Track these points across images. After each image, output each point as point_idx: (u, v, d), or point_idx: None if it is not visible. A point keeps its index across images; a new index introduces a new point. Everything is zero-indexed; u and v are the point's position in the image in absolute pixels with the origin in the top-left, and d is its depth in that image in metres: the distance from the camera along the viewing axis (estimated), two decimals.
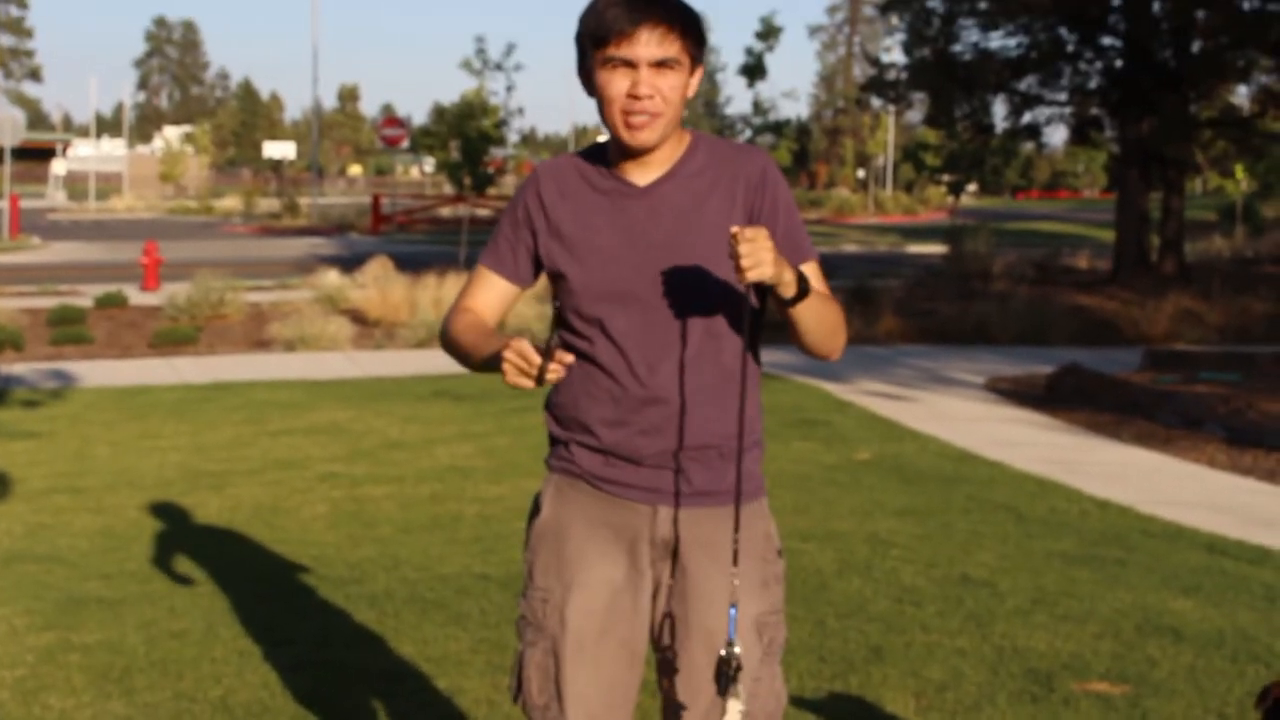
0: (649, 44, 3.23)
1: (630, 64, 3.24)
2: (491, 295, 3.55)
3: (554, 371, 3.03)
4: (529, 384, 3.06)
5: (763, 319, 3.46)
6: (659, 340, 3.34)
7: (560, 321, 3.43)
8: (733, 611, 3.26)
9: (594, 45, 3.27)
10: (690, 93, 3.34)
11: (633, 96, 3.26)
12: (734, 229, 3.04)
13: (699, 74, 3.34)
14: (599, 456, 3.42)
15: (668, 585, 3.42)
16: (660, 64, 3.25)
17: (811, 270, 3.38)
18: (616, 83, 3.26)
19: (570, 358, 3.07)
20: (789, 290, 3.16)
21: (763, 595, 3.41)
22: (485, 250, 3.57)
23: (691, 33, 3.29)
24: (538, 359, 3.03)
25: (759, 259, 3.02)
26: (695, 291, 3.32)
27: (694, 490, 3.38)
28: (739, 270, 3.04)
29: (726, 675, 3.18)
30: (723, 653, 3.20)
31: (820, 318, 3.31)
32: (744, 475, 3.41)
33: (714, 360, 3.37)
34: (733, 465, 3.39)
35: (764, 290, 3.24)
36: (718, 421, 3.37)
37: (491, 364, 3.21)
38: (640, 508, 3.40)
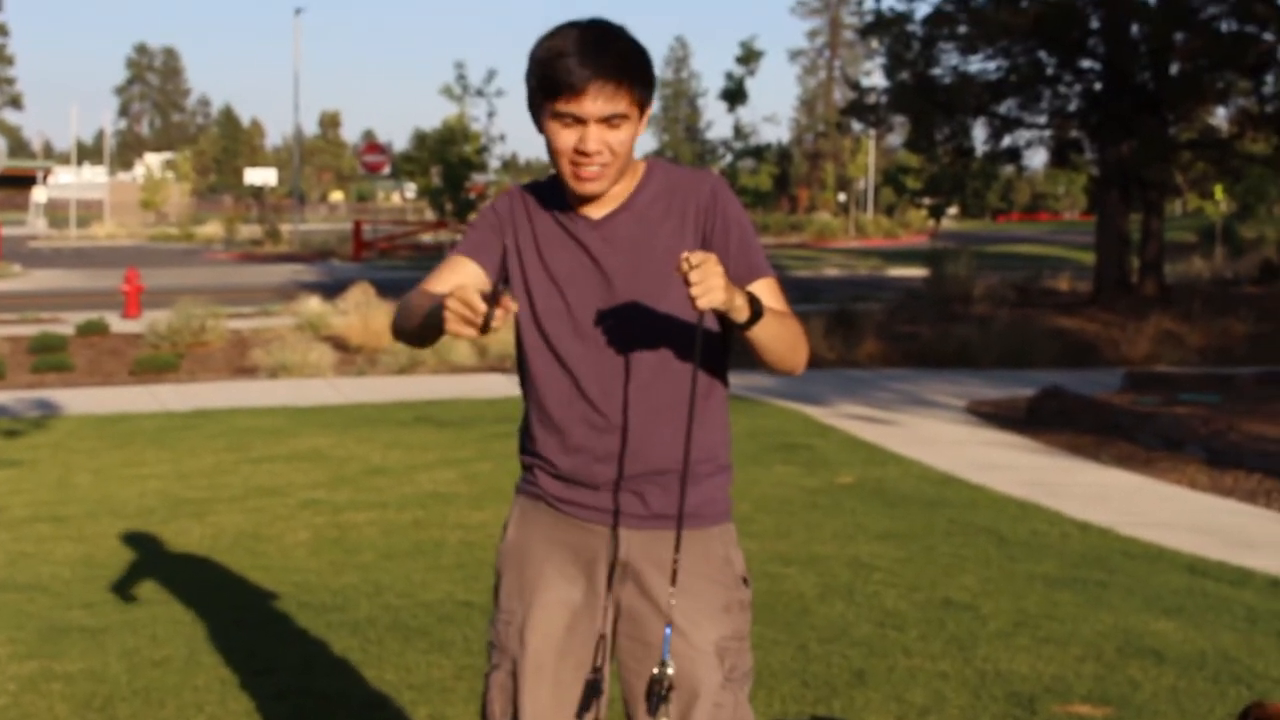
0: (597, 100, 3.19)
1: (579, 119, 3.22)
2: (462, 278, 3.38)
3: (499, 319, 2.94)
4: (472, 333, 2.95)
5: (729, 343, 3.47)
6: (613, 367, 3.35)
7: (518, 348, 3.46)
8: (667, 631, 3.29)
9: (542, 95, 3.25)
10: (640, 131, 3.33)
11: (580, 152, 3.25)
12: (683, 255, 3.03)
13: (648, 113, 3.32)
14: (558, 480, 3.44)
15: (628, 607, 3.42)
16: (609, 119, 3.23)
17: (767, 287, 3.38)
18: (565, 136, 3.24)
19: (515, 306, 2.98)
20: (741, 315, 3.15)
21: (723, 620, 3.41)
22: (458, 246, 3.52)
23: (640, 81, 3.26)
24: (482, 306, 2.94)
25: (709, 285, 3.01)
26: (649, 319, 3.33)
27: (650, 513, 3.39)
28: (690, 298, 3.04)
29: (657, 695, 3.24)
30: (655, 671, 3.24)
31: (777, 337, 3.29)
32: (705, 499, 3.43)
33: (670, 385, 3.37)
34: (694, 485, 3.39)
35: (720, 315, 3.22)
36: (674, 446, 3.36)
37: (434, 320, 3.10)
38: (598, 529, 3.41)
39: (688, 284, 3.02)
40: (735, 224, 3.39)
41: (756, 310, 3.18)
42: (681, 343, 3.36)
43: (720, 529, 3.48)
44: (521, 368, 3.45)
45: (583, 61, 3.17)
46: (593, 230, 3.37)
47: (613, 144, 3.25)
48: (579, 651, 3.40)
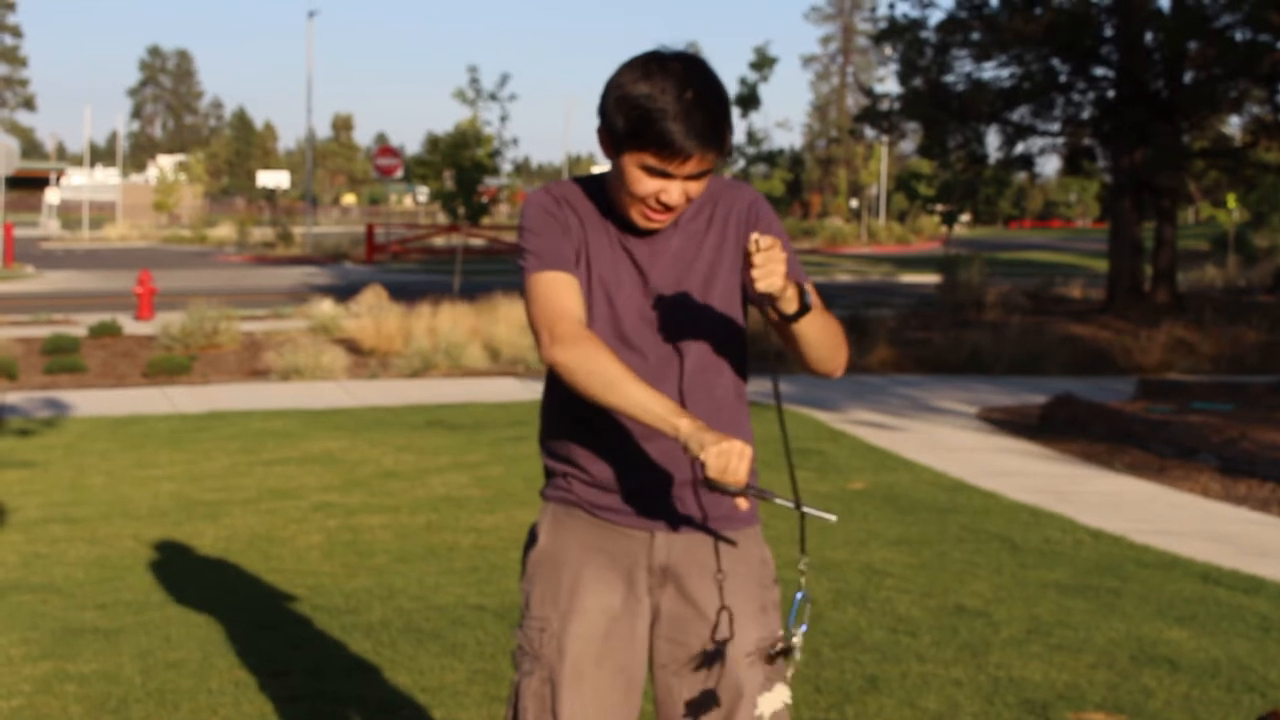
0: (690, 162, 3.21)
1: (668, 175, 3.23)
2: (580, 298, 3.32)
3: (739, 502, 3.11)
4: (727, 479, 3.05)
5: (747, 351, 3.51)
6: (654, 374, 3.36)
7: None
8: (798, 596, 3.37)
9: (635, 145, 3.21)
10: None
11: (663, 204, 3.26)
12: (754, 236, 3.05)
13: None
14: (596, 485, 3.44)
15: (668, 611, 3.43)
16: (697, 176, 3.26)
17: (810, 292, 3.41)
18: (648, 184, 3.24)
19: (745, 507, 3.18)
20: (791, 306, 3.17)
21: (762, 620, 3.46)
22: (536, 258, 3.35)
23: (729, 137, 3.28)
24: (745, 476, 3.07)
25: (771, 269, 3.05)
26: (691, 327, 3.37)
27: (692, 517, 3.40)
28: (750, 281, 3.07)
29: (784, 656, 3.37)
30: (796, 639, 3.34)
31: (824, 331, 3.32)
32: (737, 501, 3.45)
33: (708, 392, 3.42)
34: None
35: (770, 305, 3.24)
36: None
37: (644, 417, 3.12)
38: (637, 534, 3.42)
39: (750, 265, 3.05)
40: (775, 233, 3.40)
41: (805, 303, 3.20)
42: (722, 350, 3.42)
43: (754, 530, 3.53)
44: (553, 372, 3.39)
45: (688, 132, 3.16)
46: (642, 243, 3.38)
47: (691, 194, 3.28)
48: (618, 657, 3.41)
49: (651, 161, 3.20)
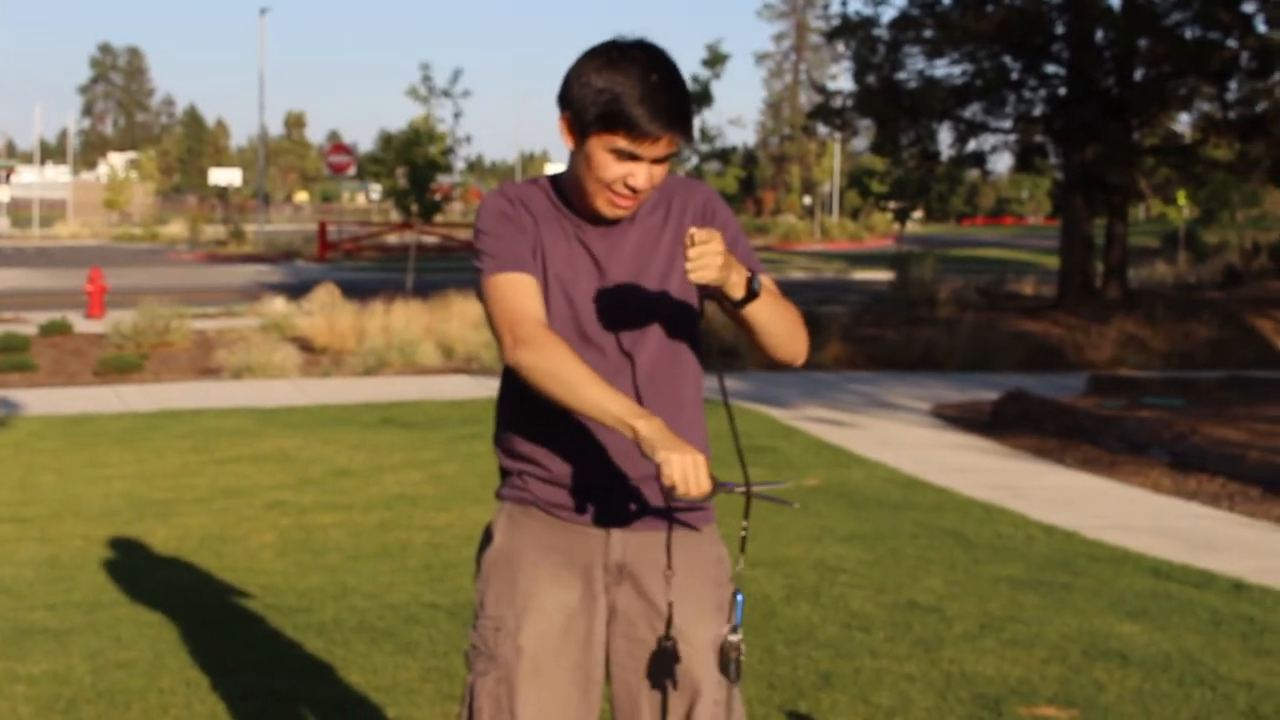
0: (659, 144, 3.25)
1: (635, 157, 3.26)
2: (540, 299, 3.34)
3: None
4: (684, 490, 3.07)
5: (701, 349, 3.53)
6: (612, 369, 3.36)
7: None
8: (739, 598, 3.37)
9: (603, 128, 3.24)
10: None
11: (630, 187, 3.28)
12: (691, 230, 3.09)
13: None
14: (551, 483, 3.44)
15: (625, 609, 3.43)
16: (663, 158, 3.29)
17: (765, 283, 3.42)
18: (616, 168, 3.27)
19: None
20: (737, 291, 3.21)
21: (719, 618, 3.45)
22: (494, 259, 3.36)
23: (692, 121, 3.34)
24: (709, 486, 3.10)
25: (704, 263, 3.08)
26: (649, 321, 3.39)
27: (648, 514, 3.41)
28: (685, 272, 3.11)
29: (734, 662, 3.33)
30: (732, 637, 3.32)
31: (776, 318, 3.36)
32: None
33: (668, 386, 3.44)
34: None
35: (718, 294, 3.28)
36: None
37: (604, 419, 3.14)
38: (593, 532, 3.42)
39: (686, 258, 3.09)
40: (729, 229, 3.45)
41: (753, 290, 3.23)
42: (677, 344, 3.45)
43: (710, 528, 3.54)
44: (512, 372, 3.35)
45: (656, 112, 3.21)
46: (599, 238, 3.39)
47: (656, 178, 3.32)
48: (574, 655, 3.41)
49: (622, 144, 3.23)
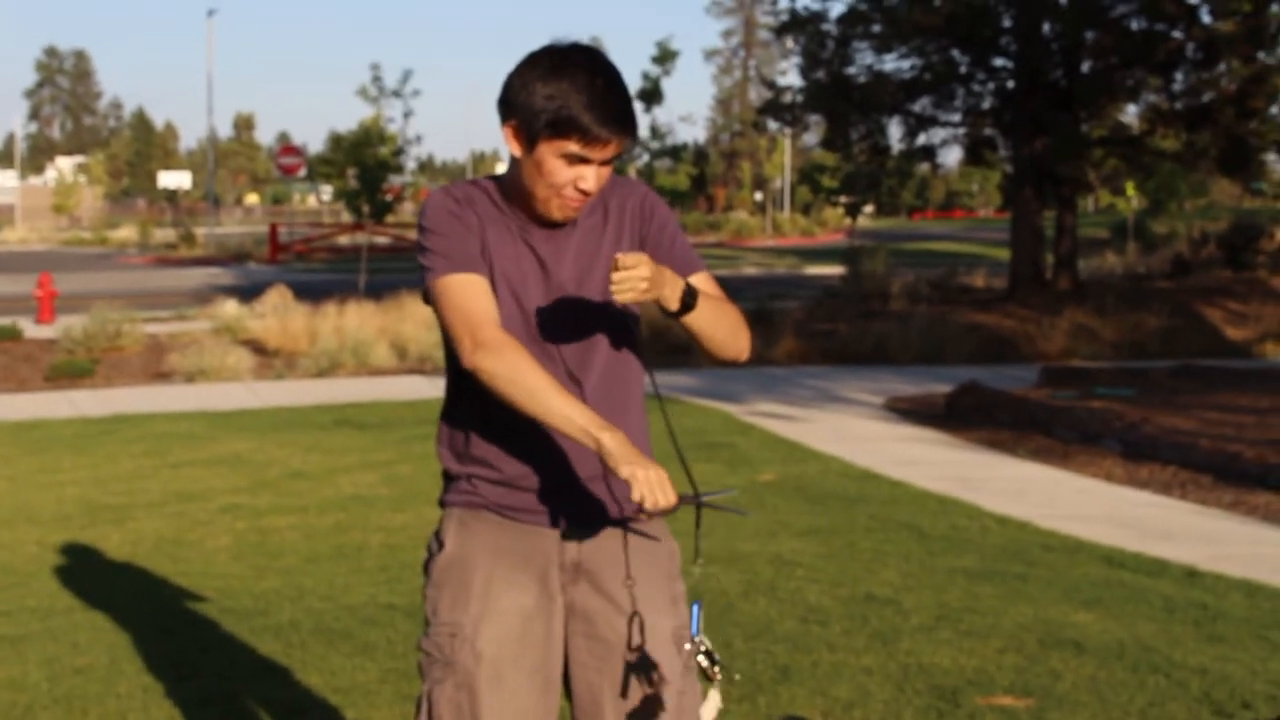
0: (608, 148, 3.28)
1: (585, 160, 3.28)
2: (493, 300, 3.35)
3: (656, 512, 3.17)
4: (654, 502, 3.12)
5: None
6: (560, 372, 3.38)
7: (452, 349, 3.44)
8: (695, 608, 3.42)
9: (554, 134, 3.26)
10: None
11: (580, 190, 3.31)
12: (617, 255, 3.13)
13: None
14: (502, 485, 3.44)
15: (582, 607, 3.44)
16: (610, 160, 3.33)
17: (704, 279, 3.49)
18: (565, 172, 3.29)
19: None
20: (671, 304, 3.25)
21: (674, 610, 3.48)
22: (443, 260, 3.36)
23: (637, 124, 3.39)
24: (674, 499, 3.16)
25: (627, 287, 3.12)
26: (595, 324, 3.40)
27: (599, 511, 3.42)
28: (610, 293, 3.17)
29: (712, 662, 3.39)
30: (688, 646, 3.36)
31: (714, 322, 3.39)
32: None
33: (616, 390, 3.46)
34: None
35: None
36: None
37: (566, 428, 3.18)
38: (548, 531, 3.42)
39: (611, 280, 3.13)
40: (667, 225, 3.52)
41: (687, 302, 3.28)
42: (626, 346, 3.48)
43: (659, 524, 3.55)
44: (463, 374, 3.34)
45: (605, 116, 3.24)
46: (544, 240, 3.41)
47: (604, 179, 3.36)
48: (533, 657, 3.41)
49: (573, 149, 3.25)
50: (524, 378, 3.18)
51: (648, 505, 3.10)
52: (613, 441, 3.12)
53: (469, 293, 3.30)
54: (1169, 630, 6.98)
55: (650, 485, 3.10)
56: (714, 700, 3.44)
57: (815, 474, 11.40)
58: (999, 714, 5.79)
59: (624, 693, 3.36)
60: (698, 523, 3.38)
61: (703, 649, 3.39)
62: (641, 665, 3.34)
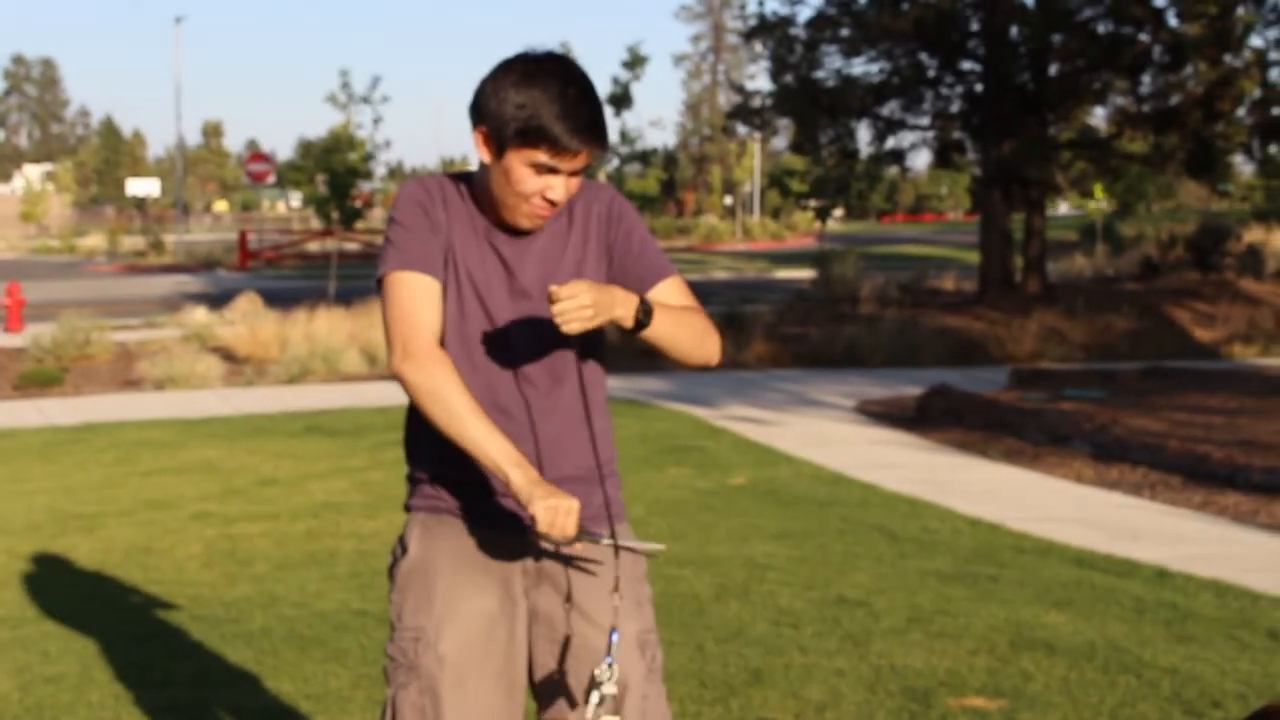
0: (578, 158, 3.29)
1: (554, 170, 3.29)
2: (438, 307, 3.38)
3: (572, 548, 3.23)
4: (554, 532, 3.14)
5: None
6: (525, 376, 3.40)
7: None
8: (613, 635, 3.34)
9: (524, 143, 3.27)
10: None
11: (548, 200, 3.32)
12: (551, 288, 3.13)
13: None
14: (466, 490, 3.44)
15: (545, 611, 3.44)
16: (579, 170, 3.33)
17: (673, 285, 3.51)
18: (534, 181, 3.30)
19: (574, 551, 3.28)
20: (626, 324, 3.27)
21: (638, 614, 3.48)
22: (400, 254, 3.38)
23: (608, 134, 3.38)
24: (574, 531, 3.16)
25: (570, 317, 3.12)
26: (555, 329, 3.38)
27: (588, 531, 3.42)
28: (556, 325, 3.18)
29: (595, 689, 3.30)
30: (596, 671, 3.29)
31: (675, 333, 3.40)
32: (611, 500, 3.51)
33: (579, 394, 3.45)
34: (598, 489, 3.47)
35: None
36: (586, 451, 3.46)
37: (480, 458, 3.21)
38: (510, 536, 3.43)
39: (552, 315, 3.14)
40: (635, 230, 3.52)
41: (641, 320, 3.28)
42: (588, 349, 3.49)
43: (624, 527, 3.56)
44: None
45: (576, 127, 3.24)
46: (510, 242, 3.42)
47: (572, 189, 3.37)
48: (497, 661, 3.42)
49: (542, 158, 3.26)
50: (447, 397, 3.23)
51: (541, 528, 3.12)
52: (522, 479, 3.15)
53: (415, 297, 3.33)
54: (1139, 630, 7.01)
55: (553, 513, 3.12)
56: None
57: (787, 477, 11.42)
58: (971, 715, 5.81)
59: (587, 696, 3.35)
60: (616, 554, 3.38)
61: (603, 685, 3.32)
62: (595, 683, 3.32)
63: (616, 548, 3.35)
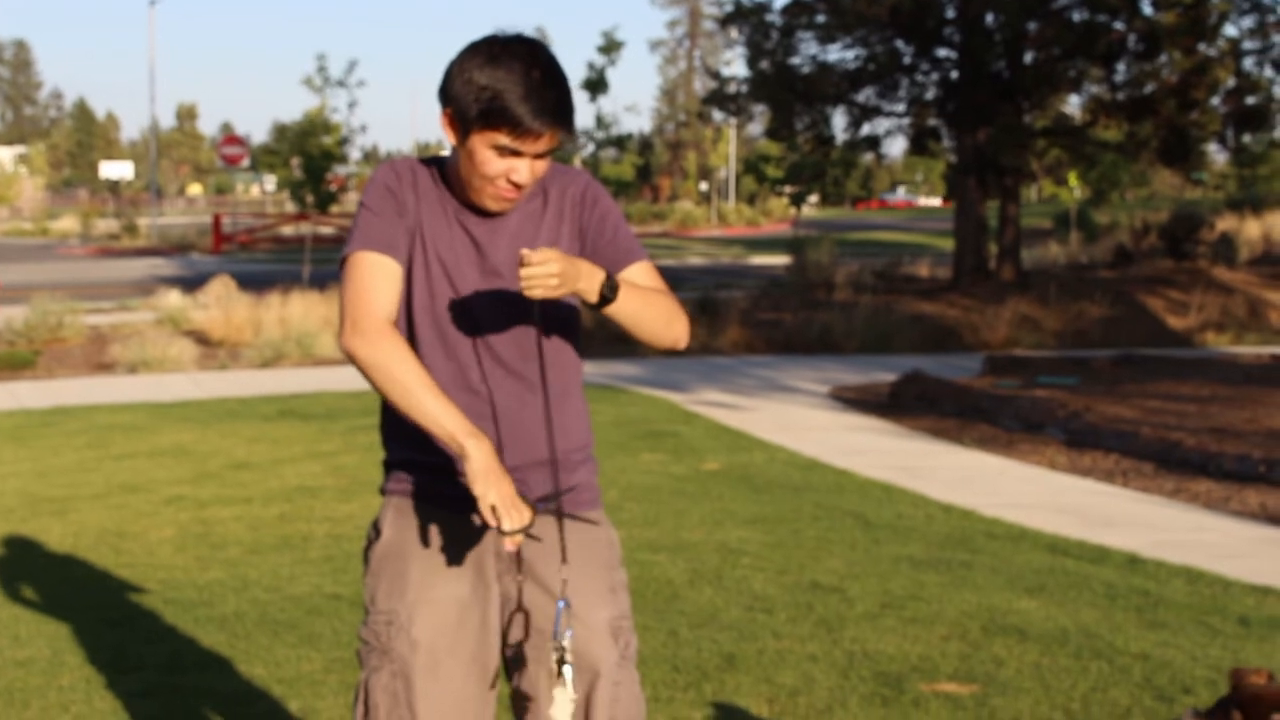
0: (541, 141, 3.28)
1: (517, 153, 3.28)
2: (396, 289, 3.37)
3: (511, 541, 3.15)
4: (505, 526, 3.12)
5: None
6: (494, 358, 3.39)
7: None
8: (559, 604, 3.34)
9: (486, 125, 3.26)
10: None
11: (513, 183, 3.31)
12: (523, 251, 3.13)
13: None
14: (439, 474, 3.44)
15: (517, 593, 3.44)
16: (544, 153, 3.32)
17: (642, 269, 3.51)
18: (497, 164, 3.29)
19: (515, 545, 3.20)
20: (590, 297, 3.26)
21: (612, 600, 3.47)
22: (364, 236, 3.38)
23: (574, 117, 3.36)
24: (527, 518, 3.15)
25: (536, 283, 3.13)
26: (528, 311, 3.39)
27: (535, 498, 3.42)
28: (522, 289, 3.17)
29: (569, 666, 3.30)
30: (552, 646, 3.30)
31: (639, 312, 3.39)
32: (584, 484, 3.51)
33: (554, 374, 3.47)
34: (570, 474, 3.47)
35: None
36: (556, 435, 3.44)
37: (435, 431, 3.19)
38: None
39: (520, 277, 3.14)
40: (609, 214, 3.51)
41: (606, 295, 3.27)
42: (560, 330, 3.48)
43: (598, 512, 3.55)
44: None
45: (539, 109, 3.23)
46: (481, 223, 3.42)
47: (538, 173, 3.35)
48: (470, 645, 3.41)
49: (504, 141, 3.25)
50: (399, 372, 3.21)
51: (504, 527, 3.11)
52: (477, 451, 3.13)
53: (373, 276, 3.32)
54: (1111, 617, 7.03)
55: (501, 510, 3.11)
56: (563, 700, 3.34)
57: (760, 463, 11.43)
58: (943, 701, 5.82)
59: (560, 671, 3.34)
60: (561, 528, 3.39)
61: (560, 653, 3.32)
62: (556, 658, 3.31)
63: (560, 515, 3.36)
